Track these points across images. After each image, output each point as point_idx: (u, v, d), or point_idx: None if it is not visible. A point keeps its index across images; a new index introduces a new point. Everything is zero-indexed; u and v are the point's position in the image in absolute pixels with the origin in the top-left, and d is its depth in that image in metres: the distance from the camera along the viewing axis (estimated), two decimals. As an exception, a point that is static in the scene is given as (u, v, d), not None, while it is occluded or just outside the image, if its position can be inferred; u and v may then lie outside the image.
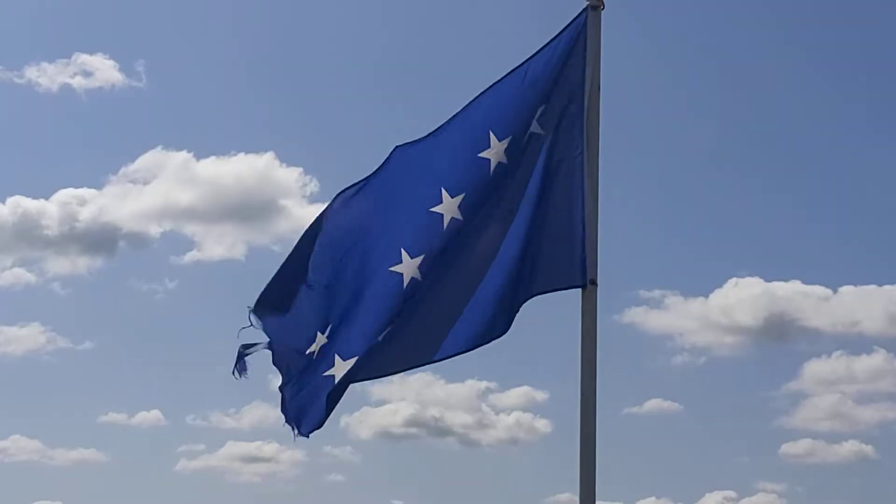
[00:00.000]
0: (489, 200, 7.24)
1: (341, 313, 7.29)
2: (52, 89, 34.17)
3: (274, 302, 7.47)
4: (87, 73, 33.51)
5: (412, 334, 7.17)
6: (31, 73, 33.75)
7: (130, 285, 34.86)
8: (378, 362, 7.17)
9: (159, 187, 32.99)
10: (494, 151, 7.25)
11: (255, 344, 7.51)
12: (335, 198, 7.52)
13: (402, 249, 7.19)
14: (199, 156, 33.98)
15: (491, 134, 7.27)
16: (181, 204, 33.21)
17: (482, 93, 7.37)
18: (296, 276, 7.45)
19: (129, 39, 37.78)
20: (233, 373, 7.49)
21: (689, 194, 35.91)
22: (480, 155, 7.27)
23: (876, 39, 35.94)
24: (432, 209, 7.24)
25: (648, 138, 35.25)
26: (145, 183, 33.13)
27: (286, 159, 35.29)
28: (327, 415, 7.19)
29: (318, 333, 7.29)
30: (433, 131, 7.41)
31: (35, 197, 33.75)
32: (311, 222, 7.54)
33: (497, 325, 7.11)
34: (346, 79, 37.19)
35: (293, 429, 7.40)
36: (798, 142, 36.39)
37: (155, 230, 33.36)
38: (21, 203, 33.02)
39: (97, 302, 35.36)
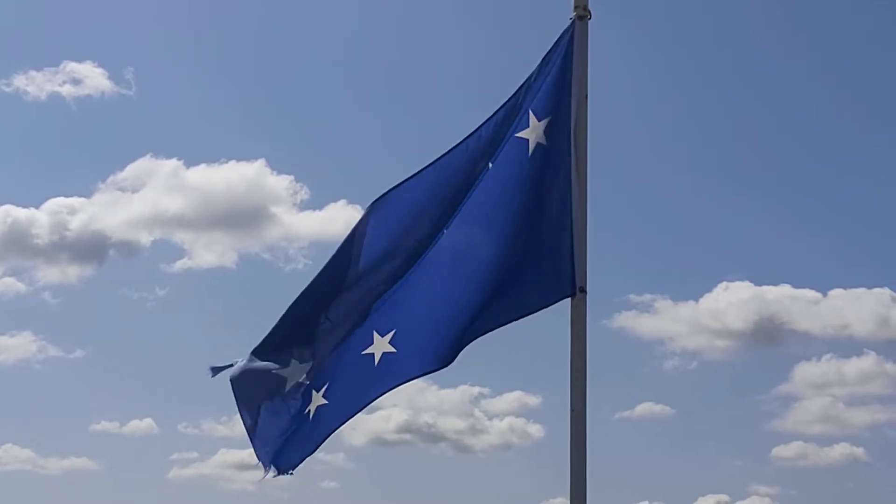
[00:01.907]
0: (468, 201, 7.34)
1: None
2: (41, 97, 34.23)
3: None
4: (75, 81, 33.59)
5: (413, 343, 7.24)
6: (20, 81, 33.85)
7: (121, 294, 34.93)
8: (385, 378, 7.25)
9: (149, 195, 33.06)
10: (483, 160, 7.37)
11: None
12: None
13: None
14: (189, 163, 34.02)
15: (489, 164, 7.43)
16: (171, 212, 33.26)
17: (482, 123, 7.49)
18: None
19: (118, 47, 37.91)
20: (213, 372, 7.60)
21: (679, 199, 36.06)
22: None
23: (858, 51, 36.10)
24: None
25: (639, 145, 35.39)
26: (134, 191, 33.19)
27: (277, 166, 35.42)
28: (312, 450, 7.44)
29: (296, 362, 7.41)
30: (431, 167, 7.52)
31: (25, 206, 33.84)
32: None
33: (468, 335, 7.15)
34: (338, 87, 37.29)
35: (269, 468, 7.45)
36: (787, 148, 36.57)
37: (145, 238, 33.42)
38: (11, 212, 33.11)
39: (88, 310, 35.46)
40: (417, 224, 7.41)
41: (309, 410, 7.34)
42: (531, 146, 7.29)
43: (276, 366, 7.43)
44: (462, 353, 7.18)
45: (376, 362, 7.21)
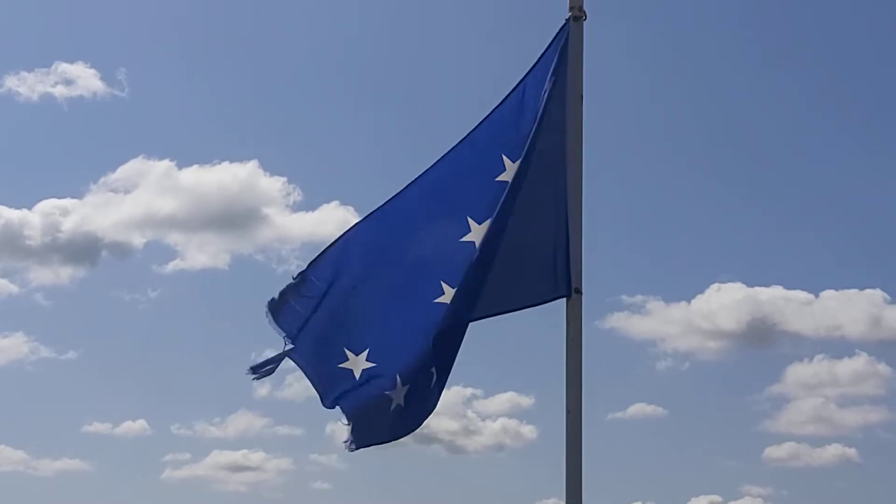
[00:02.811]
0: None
1: (382, 338, 7.39)
2: (33, 98, 34.17)
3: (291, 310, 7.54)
4: (68, 82, 33.51)
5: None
6: (11, 82, 33.70)
7: (113, 295, 34.86)
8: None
9: (141, 196, 33.01)
10: (509, 174, 7.31)
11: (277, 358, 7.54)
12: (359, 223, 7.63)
13: (442, 282, 7.26)
14: (182, 164, 33.98)
15: (504, 157, 7.34)
16: (163, 213, 33.22)
17: (486, 117, 7.47)
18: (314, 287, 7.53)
19: (110, 48, 37.82)
20: (257, 372, 7.49)
21: (671, 200, 36.06)
22: (498, 179, 7.33)
23: (851, 52, 36.17)
24: (462, 239, 7.29)
25: (631, 146, 35.41)
26: (126, 192, 33.16)
27: (270, 168, 35.38)
28: (390, 439, 7.40)
29: (348, 350, 7.38)
30: (442, 157, 7.49)
31: (17, 207, 33.78)
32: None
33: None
34: (331, 88, 37.27)
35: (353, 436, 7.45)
36: (779, 148, 36.57)
37: (137, 240, 33.38)
38: (3, 213, 33.02)
39: (81, 312, 35.36)
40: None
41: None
42: None
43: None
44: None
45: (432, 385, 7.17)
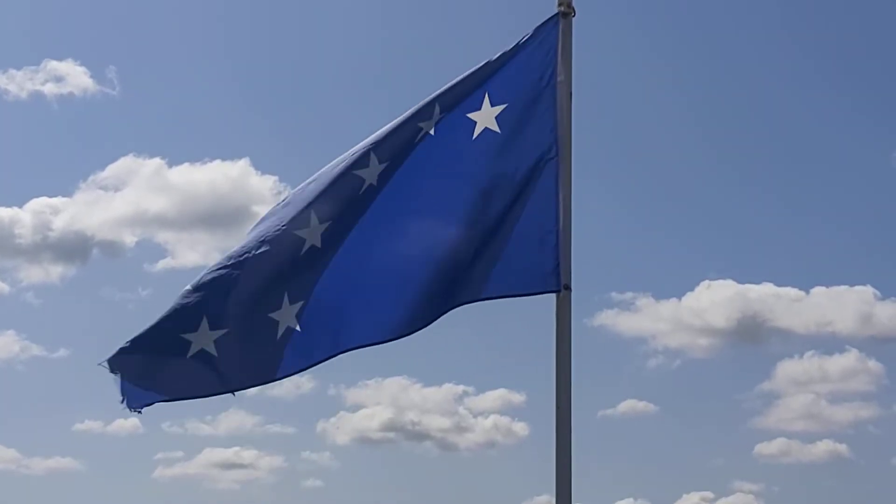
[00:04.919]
0: (414, 171, 7.23)
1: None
2: (22, 96, 34.12)
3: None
4: (57, 80, 33.48)
5: (328, 318, 7.01)
6: (0, 80, 33.67)
7: (104, 294, 34.84)
8: (303, 352, 7.03)
9: (131, 195, 33.00)
10: (426, 122, 7.27)
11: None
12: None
13: (313, 212, 7.11)
14: (172, 163, 33.98)
15: (436, 105, 7.30)
16: (154, 211, 33.20)
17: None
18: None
19: (100, 45, 37.81)
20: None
21: (661, 197, 36.11)
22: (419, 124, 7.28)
23: (838, 50, 36.22)
24: (356, 171, 7.24)
25: (621, 143, 35.43)
26: (116, 190, 33.13)
27: (261, 167, 35.34)
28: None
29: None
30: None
31: (8, 205, 33.77)
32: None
33: (419, 320, 7.04)
34: (323, 86, 37.25)
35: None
36: (769, 145, 36.64)
37: (128, 238, 33.35)
38: (-7, 212, 32.98)
39: (71, 310, 35.33)
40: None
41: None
42: (477, 130, 7.26)
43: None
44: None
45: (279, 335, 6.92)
